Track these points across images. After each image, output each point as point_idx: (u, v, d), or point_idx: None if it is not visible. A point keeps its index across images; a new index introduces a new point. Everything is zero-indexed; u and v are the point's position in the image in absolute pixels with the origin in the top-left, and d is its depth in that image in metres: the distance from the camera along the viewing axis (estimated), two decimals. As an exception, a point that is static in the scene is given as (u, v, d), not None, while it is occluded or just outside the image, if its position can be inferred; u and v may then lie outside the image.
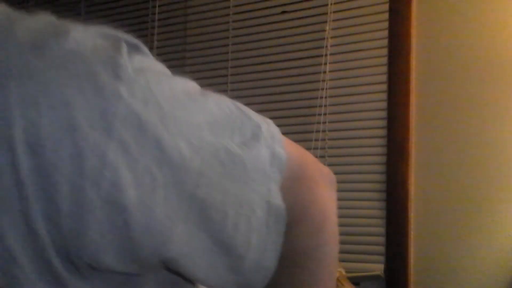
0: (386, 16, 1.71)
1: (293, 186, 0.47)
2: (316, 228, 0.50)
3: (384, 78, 1.70)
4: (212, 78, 1.97)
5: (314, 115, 1.77)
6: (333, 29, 1.78)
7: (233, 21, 1.95)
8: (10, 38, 0.35)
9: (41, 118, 0.34)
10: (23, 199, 0.35)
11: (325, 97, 1.76)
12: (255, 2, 1.92)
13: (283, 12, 1.87)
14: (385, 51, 1.71)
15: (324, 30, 1.78)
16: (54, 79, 0.35)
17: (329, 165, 1.76)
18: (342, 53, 1.77)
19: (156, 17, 2.08)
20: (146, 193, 0.37)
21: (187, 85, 0.44)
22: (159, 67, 0.44)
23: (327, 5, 1.78)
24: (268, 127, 0.47)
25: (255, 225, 0.44)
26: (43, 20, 0.39)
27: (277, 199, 0.45)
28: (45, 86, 0.34)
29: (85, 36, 0.38)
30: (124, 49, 0.39)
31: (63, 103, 0.35)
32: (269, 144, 0.45)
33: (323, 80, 1.77)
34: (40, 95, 0.34)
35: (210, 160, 0.40)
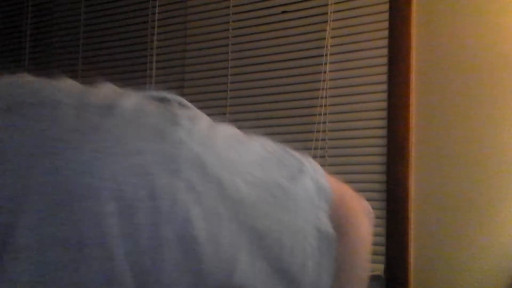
0: (386, 16, 1.71)
1: (336, 215, 0.53)
2: (353, 253, 0.57)
3: (384, 78, 1.70)
4: (212, 78, 1.97)
5: (314, 115, 1.77)
6: (333, 29, 1.78)
7: (233, 21, 1.95)
8: (85, 104, 0.42)
9: (118, 165, 0.40)
10: (106, 244, 0.39)
11: (325, 97, 1.76)
12: (255, 2, 1.92)
13: (283, 12, 1.87)
14: (385, 51, 1.71)
15: (324, 30, 1.78)
16: (124, 132, 0.41)
17: (329, 165, 1.76)
18: (342, 53, 1.77)
19: (156, 17, 2.08)
20: (214, 226, 0.42)
21: (232, 130, 0.50)
22: (205, 117, 0.49)
23: (327, 5, 1.78)
24: (309, 162, 0.53)
25: (310, 252, 0.49)
26: (108, 88, 0.46)
27: (327, 227, 0.50)
28: (117, 138, 0.41)
29: (142, 97, 0.45)
30: (175, 102, 0.47)
31: (134, 151, 0.41)
32: (314, 178, 0.51)
33: (323, 80, 1.77)
34: (114, 146, 0.40)
35: (264, 194, 0.46)
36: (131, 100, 0.44)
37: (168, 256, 0.40)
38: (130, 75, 2.13)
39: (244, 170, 0.46)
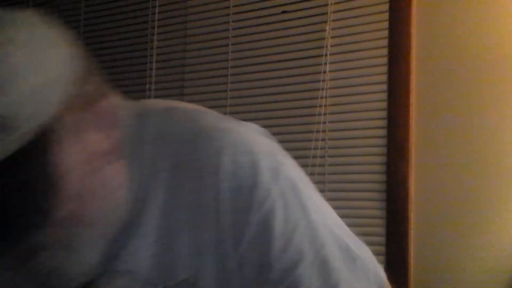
0: (386, 16, 1.71)
1: None
2: None
3: (384, 78, 1.70)
4: (212, 78, 1.97)
5: (314, 115, 1.77)
6: (333, 29, 1.78)
7: (233, 21, 1.95)
8: (223, 116, 0.57)
9: (237, 156, 0.52)
10: (220, 213, 0.51)
11: (325, 97, 1.76)
12: (255, 2, 1.92)
13: (283, 12, 1.87)
14: (385, 51, 1.70)
15: (324, 30, 1.78)
16: (249, 137, 0.55)
17: (329, 165, 1.76)
18: (342, 53, 1.77)
19: (156, 17, 2.08)
20: (289, 231, 0.52)
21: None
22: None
23: (327, 5, 1.78)
24: (370, 250, 0.62)
25: None
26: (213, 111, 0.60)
27: None
28: (243, 138, 0.54)
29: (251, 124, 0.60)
30: (274, 138, 0.60)
31: (252, 151, 0.53)
32: (375, 264, 0.59)
33: (323, 80, 1.77)
34: (239, 143, 0.53)
35: (333, 240, 0.55)
36: (249, 123, 0.58)
37: (248, 236, 0.51)
38: (130, 75, 2.13)
39: (322, 212, 0.56)
